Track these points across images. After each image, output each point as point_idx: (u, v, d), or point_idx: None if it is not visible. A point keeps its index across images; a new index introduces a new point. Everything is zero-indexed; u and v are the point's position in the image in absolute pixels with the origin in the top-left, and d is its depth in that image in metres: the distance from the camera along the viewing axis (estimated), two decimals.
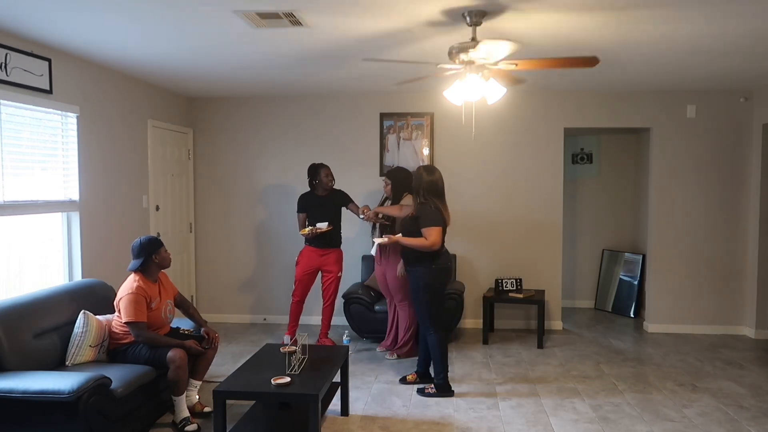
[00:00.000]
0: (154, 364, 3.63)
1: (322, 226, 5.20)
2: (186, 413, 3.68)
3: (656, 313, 6.19)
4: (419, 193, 4.24)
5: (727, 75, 5.22)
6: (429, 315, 4.30)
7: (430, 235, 4.14)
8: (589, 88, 5.93)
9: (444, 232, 4.25)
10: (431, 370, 4.42)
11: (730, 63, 4.70)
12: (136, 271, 3.76)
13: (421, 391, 4.35)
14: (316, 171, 5.38)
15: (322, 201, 5.36)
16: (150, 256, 3.77)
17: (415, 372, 4.59)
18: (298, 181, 5.76)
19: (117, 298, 3.73)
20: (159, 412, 3.85)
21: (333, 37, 3.94)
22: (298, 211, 5.44)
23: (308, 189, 5.49)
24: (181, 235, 6.34)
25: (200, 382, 3.96)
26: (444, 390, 4.30)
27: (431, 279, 4.24)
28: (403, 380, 4.59)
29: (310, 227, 5.21)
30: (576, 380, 4.65)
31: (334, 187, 5.46)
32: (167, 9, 3.35)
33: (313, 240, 5.31)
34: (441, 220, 4.18)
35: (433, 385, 4.33)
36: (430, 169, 4.31)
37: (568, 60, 3.46)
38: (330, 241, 5.38)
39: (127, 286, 3.70)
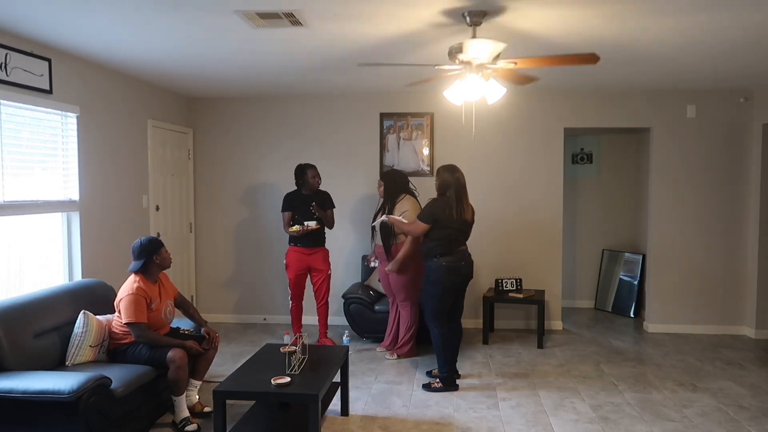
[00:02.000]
0: (154, 364, 3.63)
1: (311, 224, 5.21)
2: (186, 413, 3.68)
3: (656, 313, 6.19)
4: (444, 191, 4.38)
5: (727, 75, 5.22)
6: (434, 309, 4.39)
7: (415, 224, 4.43)
8: (589, 88, 5.93)
9: (459, 231, 4.39)
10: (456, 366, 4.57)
11: (730, 63, 4.70)
12: (136, 272, 3.76)
13: (426, 387, 4.41)
14: (302, 171, 5.38)
15: (308, 200, 5.36)
16: (151, 257, 3.77)
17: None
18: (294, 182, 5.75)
19: (117, 299, 3.73)
20: (159, 412, 3.85)
21: (333, 37, 3.94)
22: (283, 210, 5.42)
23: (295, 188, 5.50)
24: (181, 235, 6.34)
25: (200, 382, 3.96)
26: (448, 384, 4.38)
27: (439, 275, 4.32)
28: (429, 373, 4.70)
29: (298, 225, 5.21)
30: (576, 380, 4.65)
31: (320, 187, 5.46)
32: (167, 9, 3.35)
33: (300, 240, 5.31)
34: (431, 220, 4.33)
35: (438, 380, 4.40)
36: (451, 168, 4.44)
37: (567, 58, 3.43)
38: (317, 240, 5.38)
39: (127, 287, 3.70)
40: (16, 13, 3.42)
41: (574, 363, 5.11)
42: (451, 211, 4.30)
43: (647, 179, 6.43)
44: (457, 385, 4.43)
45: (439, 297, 4.37)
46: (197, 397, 3.94)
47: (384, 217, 4.79)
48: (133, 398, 3.44)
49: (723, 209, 6.07)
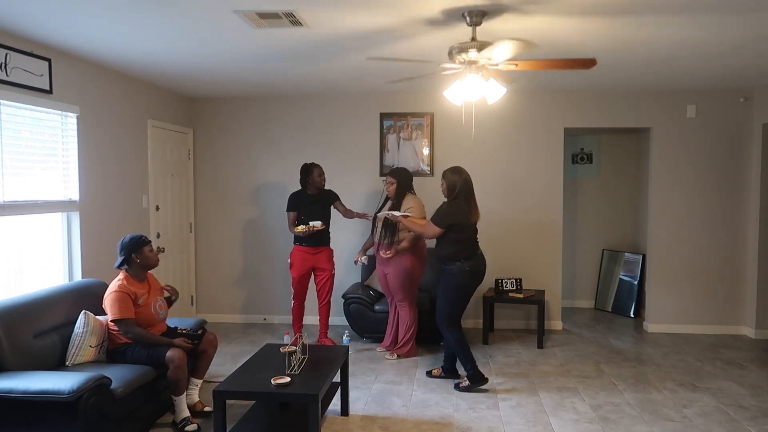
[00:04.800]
0: (153, 363, 3.63)
1: (317, 224, 5.21)
2: (186, 413, 3.68)
3: (656, 313, 6.19)
4: (455, 194, 4.36)
5: (727, 75, 5.22)
6: (449, 313, 4.40)
7: (429, 227, 4.40)
8: (589, 88, 5.93)
9: (474, 231, 4.44)
10: (458, 366, 4.59)
11: (730, 63, 4.70)
12: (122, 269, 3.78)
13: (457, 386, 4.44)
14: (308, 170, 5.38)
15: (313, 200, 5.37)
16: (130, 255, 3.78)
17: (441, 367, 4.70)
18: (298, 181, 5.75)
19: (103, 299, 3.75)
20: (159, 412, 3.85)
21: (333, 37, 3.94)
22: (289, 210, 5.42)
23: (299, 188, 5.50)
24: (181, 235, 6.34)
25: (201, 381, 3.97)
26: (476, 380, 4.38)
27: (463, 280, 4.33)
28: (429, 373, 4.72)
29: (304, 225, 5.21)
30: (576, 380, 4.65)
31: (325, 186, 5.47)
32: (167, 9, 3.35)
33: (305, 239, 5.31)
34: (445, 225, 4.32)
35: (465, 378, 4.41)
36: (457, 170, 4.44)
37: (566, 62, 3.46)
38: (321, 239, 5.38)
39: (111, 286, 3.74)
40: (16, 13, 3.42)
41: (574, 363, 5.11)
42: (464, 216, 4.31)
43: (647, 179, 6.43)
44: (486, 378, 4.42)
45: (458, 301, 4.40)
46: (198, 396, 3.94)
47: (396, 213, 4.70)
48: (133, 398, 3.44)
49: (723, 209, 6.07)
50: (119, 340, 3.74)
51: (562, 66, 3.49)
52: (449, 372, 4.64)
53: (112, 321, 3.67)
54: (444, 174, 4.47)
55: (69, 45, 4.13)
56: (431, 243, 5.49)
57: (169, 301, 4.09)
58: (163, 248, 5.81)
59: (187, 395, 3.75)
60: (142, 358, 3.64)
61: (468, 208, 4.35)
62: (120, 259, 3.79)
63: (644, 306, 6.48)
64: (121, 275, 3.77)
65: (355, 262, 5.50)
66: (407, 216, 4.68)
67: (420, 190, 5.31)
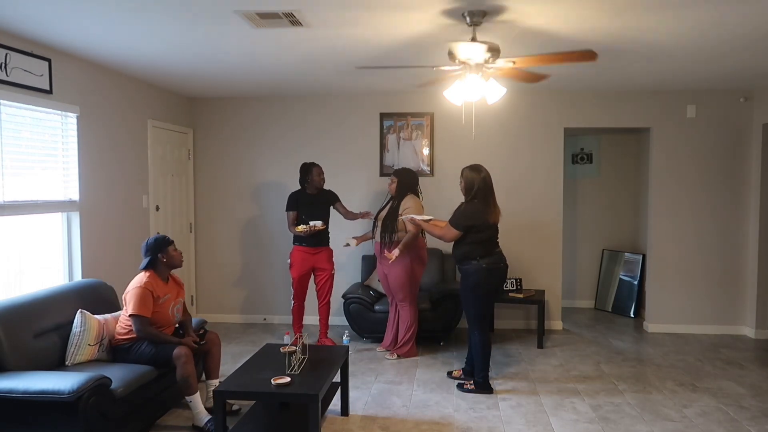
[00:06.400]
0: (157, 362, 3.64)
1: (317, 223, 5.21)
2: (206, 414, 3.66)
3: (656, 313, 6.19)
4: (473, 193, 4.28)
5: (727, 75, 5.22)
6: (474, 314, 4.34)
7: (448, 230, 4.30)
8: (589, 88, 5.93)
9: (494, 231, 4.33)
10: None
11: (730, 63, 4.70)
12: (146, 269, 3.79)
13: (460, 386, 4.42)
14: (307, 170, 5.39)
15: (313, 199, 5.37)
16: (156, 255, 3.80)
17: (462, 369, 4.68)
18: (298, 180, 5.76)
19: (126, 291, 3.75)
20: (159, 412, 3.85)
21: (333, 37, 3.94)
22: (288, 209, 5.42)
23: (298, 187, 5.50)
24: (181, 235, 6.34)
25: (218, 381, 3.95)
26: (483, 388, 4.35)
27: (480, 278, 4.26)
28: (450, 374, 4.70)
29: (305, 225, 5.21)
30: (576, 380, 4.65)
31: (324, 186, 5.48)
32: (167, 9, 3.35)
33: (305, 239, 5.31)
34: (463, 227, 4.25)
35: (472, 382, 4.39)
36: (476, 167, 4.37)
37: (565, 55, 3.41)
38: (321, 239, 5.38)
39: (136, 281, 3.73)
40: (16, 13, 3.42)
41: (574, 363, 5.11)
42: (482, 217, 4.23)
43: (647, 179, 6.43)
44: (492, 389, 4.37)
45: (480, 301, 4.31)
46: None
47: (417, 217, 4.60)
48: (133, 398, 3.44)
49: (723, 209, 6.07)
50: (124, 337, 3.74)
51: (562, 59, 3.44)
52: (469, 374, 4.56)
53: (129, 315, 3.66)
54: (462, 171, 4.39)
55: (69, 45, 4.13)
56: (431, 243, 5.51)
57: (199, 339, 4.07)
58: None
59: (210, 399, 3.77)
60: (146, 357, 3.65)
61: (485, 208, 4.25)
62: (146, 260, 3.78)
63: (644, 306, 6.48)
64: (147, 273, 3.77)
65: (346, 245, 5.45)
66: (430, 219, 4.55)
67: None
